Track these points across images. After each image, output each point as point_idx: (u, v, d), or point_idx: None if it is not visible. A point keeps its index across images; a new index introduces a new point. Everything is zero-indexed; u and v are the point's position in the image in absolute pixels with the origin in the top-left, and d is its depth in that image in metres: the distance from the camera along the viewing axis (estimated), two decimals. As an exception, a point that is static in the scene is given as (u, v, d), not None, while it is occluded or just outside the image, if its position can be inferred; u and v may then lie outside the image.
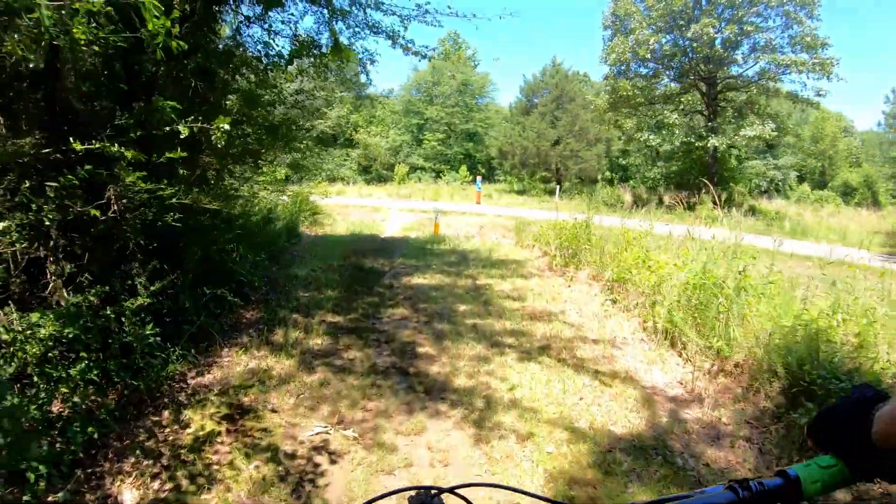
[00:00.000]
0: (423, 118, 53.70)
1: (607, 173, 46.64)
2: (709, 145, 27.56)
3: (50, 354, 4.21)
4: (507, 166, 45.71)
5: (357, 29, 8.35)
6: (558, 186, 35.78)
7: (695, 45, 27.35)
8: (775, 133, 27.09)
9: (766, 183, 48.02)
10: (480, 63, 65.36)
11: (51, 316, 4.24)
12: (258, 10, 7.72)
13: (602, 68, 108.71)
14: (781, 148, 47.70)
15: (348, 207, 27.33)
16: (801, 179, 52.69)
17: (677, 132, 28.39)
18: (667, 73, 29.96)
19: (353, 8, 7.87)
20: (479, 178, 33.57)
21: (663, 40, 27.36)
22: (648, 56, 27.64)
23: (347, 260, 13.03)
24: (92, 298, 4.67)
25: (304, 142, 12.20)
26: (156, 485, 4.03)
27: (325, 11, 8.12)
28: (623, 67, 29.67)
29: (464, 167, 46.73)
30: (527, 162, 42.77)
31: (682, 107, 28.50)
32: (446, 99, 53.76)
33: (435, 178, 50.43)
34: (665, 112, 28.47)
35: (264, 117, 9.10)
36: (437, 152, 52.45)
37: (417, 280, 10.99)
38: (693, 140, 27.89)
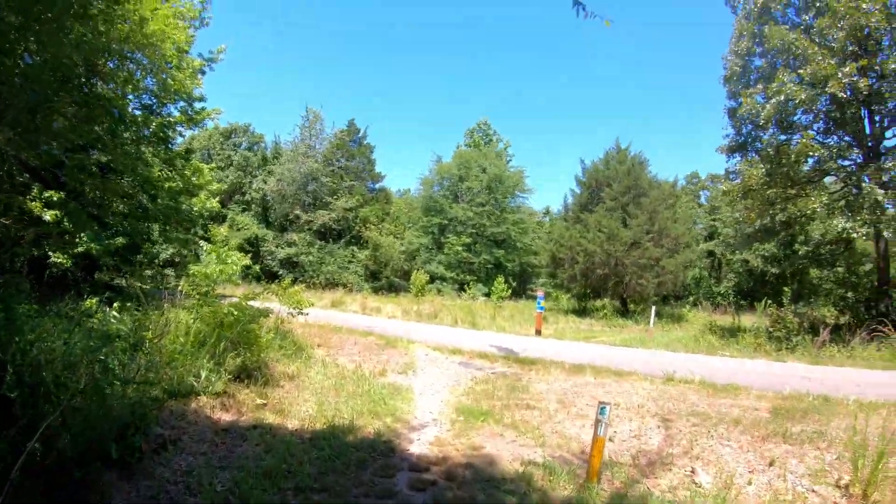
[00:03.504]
0: (447, 218, 44.73)
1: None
2: None
3: None
4: (561, 278, 34.80)
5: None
6: (653, 309, 24.62)
7: (885, 83, 18.23)
8: None
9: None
10: (514, 157, 56.29)
11: None
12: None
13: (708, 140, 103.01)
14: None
15: (342, 332, 16.80)
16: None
17: (883, 215, 18.04)
18: (836, 132, 20.45)
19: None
20: (540, 294, 22.49)
21: (854, 75, 17.50)
22: (843, 94, 17.76)
23: None
24: None
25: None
26: None
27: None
28: (781, 124, 20.04)
29: (500, 278, 36.21)
30: (592, 272, 31.66)
31: (884, 178, 18.26)
32: (475, 196, 44.84)
33: (458, 291, 40.64)
34: (868, 186, 18.14)
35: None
36: (462, 259, 43.20)
37: None
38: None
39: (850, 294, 22.32)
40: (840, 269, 23.00)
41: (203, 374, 7.41)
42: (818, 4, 18.75)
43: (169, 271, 18.53)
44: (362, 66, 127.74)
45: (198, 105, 16.91)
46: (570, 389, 10.70)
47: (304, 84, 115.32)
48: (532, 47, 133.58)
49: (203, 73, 16.64)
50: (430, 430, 8.09)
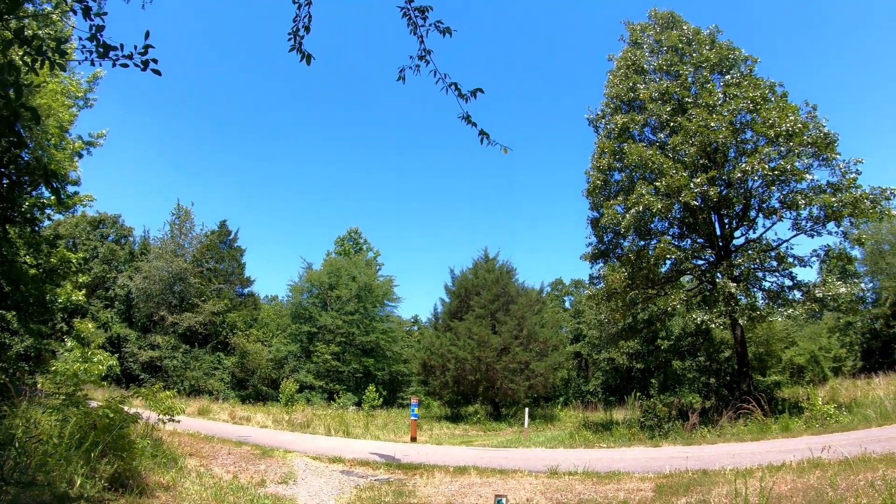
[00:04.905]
0: (316, 326, 44.19)
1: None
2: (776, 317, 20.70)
3: None
4: (433, 385, 34.84)
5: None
6: (527, 410, 24.94)
7: (732, 190, 20.84)
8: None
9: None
10: (383, 266, 56.83)
11: None
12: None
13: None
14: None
15: (213, 442, 15.91)
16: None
17: (737, 306, 20.03)
18: (690, 235, 23.01)
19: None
20: (414, 401, 22.43)
21: (704, 185, 19.59)
22: (695, 202, 19.81)
23: None
24: None
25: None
26: None
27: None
28: (636, 229, 21.60)
29: (372, 387, 35.65)
30: (464, 378, 31.91)
31: (735, 272, 20.59)
32: (344, 304, 44.72)
33: (328, 400, 39.56)
34: (722, 281, 20.07)
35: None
36: (331, 368, 42.54)
37: None
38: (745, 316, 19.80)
39: (712, 380, 23.97)
40: (701, 358, 24.69)
41: (78, 482, 6.80)
42: (672, 124, 20.99)
43: (23, 365, 16.89)
44: (235, 168, 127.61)
45: (71, 189, 16.16)
46: (458, 490, 10.64)
47: (178, 181, 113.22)
48: (403, 160, 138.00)
49: (80, 155, 16.01)
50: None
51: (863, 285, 20.96)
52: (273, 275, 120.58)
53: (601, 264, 23.68)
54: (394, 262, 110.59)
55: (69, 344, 9.52)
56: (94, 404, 8.54)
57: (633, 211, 19.83)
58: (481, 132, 5.46)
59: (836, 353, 42.53)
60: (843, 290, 18.66)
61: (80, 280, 16.86)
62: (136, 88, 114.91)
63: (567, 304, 57.70)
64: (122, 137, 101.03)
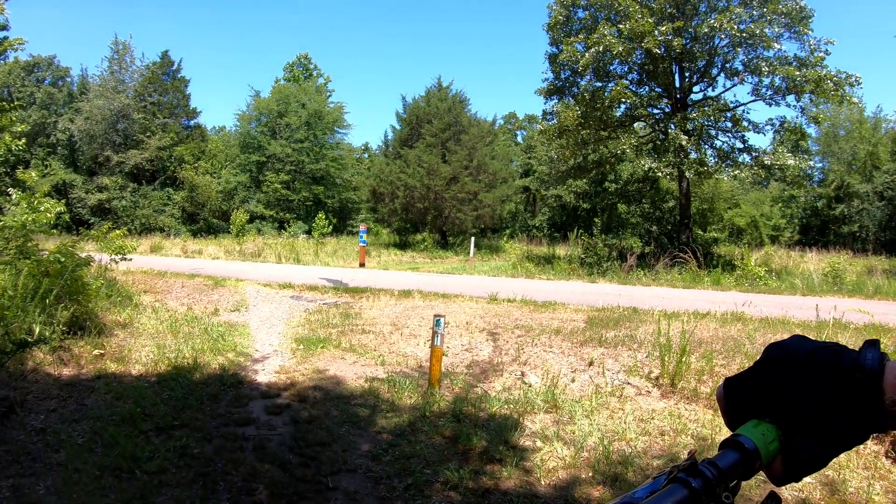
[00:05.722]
0: (265, 155, 43.51)
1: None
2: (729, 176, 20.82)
3: None
4: (382, 212, 35.28)
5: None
6: (472, 240, 25.69)
7: (697, 44, 20.55)
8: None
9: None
10: (334, 93, 55.41)
11: None
12: None
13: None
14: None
15: (167, 277, 16.13)
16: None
17: (686, 158, 20.43)
18: (648, 83, 22.43)
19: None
20: (363, 227, 22.94)
21: (669, 34, 19.20)
22: (657, 51, 19.46)
23: None
24: None
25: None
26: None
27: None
28: (594, 69, 21.25)
29: (321, 214, 35.98)
30: (412, 206, 32.45)
31: (689, 126, 20.58)
32: (293, 132, 43.83)
33: (279, 230, 40.18)
34: (674, 132, 20.18)
35: None
36: (281, 197, 42.61)
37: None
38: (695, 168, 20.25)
39: (654, 227, 24.84)
40: (646, 205, 25.36)
41: (37, 330, 7.09)
42: (644, -34, 19.89)
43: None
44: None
45: (-1, 35, 15.14)
46: (402, 313, 11.28)
47: (115, 12, 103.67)
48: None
49: (5, -3, 14.79)
50: (273, 360, 8.25)
51: (811, 162, 21.45)
52: (220, 105, 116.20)
53: (556, 100, 23.54)
54: (345, 89, 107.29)
55: (15, 197, 9.35)
56: (46, 254, 8.65)
57: (592, 50, 19.53)
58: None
59: (776, 223, 44.24)
60: (791, 162, 19.08)
61: (19, 129, 16.00)
62: None
63: (519, 139, 57.88)
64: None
